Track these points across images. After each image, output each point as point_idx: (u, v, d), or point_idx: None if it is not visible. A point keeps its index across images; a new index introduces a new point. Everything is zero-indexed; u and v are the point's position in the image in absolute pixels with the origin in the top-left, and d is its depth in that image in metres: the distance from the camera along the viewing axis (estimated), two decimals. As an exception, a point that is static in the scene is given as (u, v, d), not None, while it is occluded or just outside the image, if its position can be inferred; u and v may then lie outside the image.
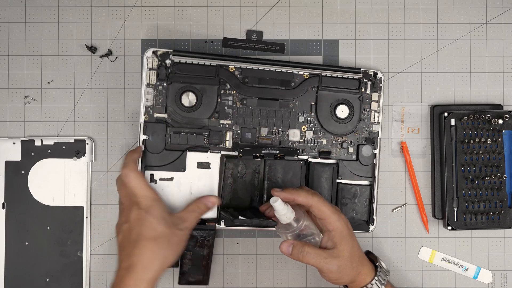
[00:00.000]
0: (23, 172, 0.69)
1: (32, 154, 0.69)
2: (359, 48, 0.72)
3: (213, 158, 0.65)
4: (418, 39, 0.72)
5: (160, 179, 0.64)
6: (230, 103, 0.66)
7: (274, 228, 0.67)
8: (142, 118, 0.64)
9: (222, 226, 0.65)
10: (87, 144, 0.69)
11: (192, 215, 0.61)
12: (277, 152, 0.65)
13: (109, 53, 0.71)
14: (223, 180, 0.65)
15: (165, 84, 0.64)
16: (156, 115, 0.64)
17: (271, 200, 0.58)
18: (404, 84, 0.72)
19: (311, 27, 0.72)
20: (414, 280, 0.71)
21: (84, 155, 0.69)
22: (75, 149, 0.69)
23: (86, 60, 0.71)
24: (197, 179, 0.65)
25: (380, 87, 0.70)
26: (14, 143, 0.69)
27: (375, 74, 0.69)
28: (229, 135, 0.66)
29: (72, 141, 0.69)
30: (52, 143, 0.69)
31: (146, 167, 0.64)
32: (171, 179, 0.65)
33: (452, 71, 0.72)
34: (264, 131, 0.67)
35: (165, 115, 0.65)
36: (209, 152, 0.65)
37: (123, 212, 0.59)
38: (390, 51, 0.72)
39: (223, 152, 0.65)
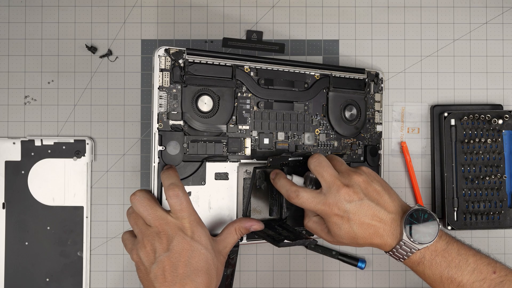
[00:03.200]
0: (23, 172, 0.69)
1: (32, 154, 0.69)
2: (359, 48, 0.72)
3: (231, 168, 0.61)
4: (418, 39, 0.72)
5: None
6: (248, 106, 0.62)
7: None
8: (156, 126, 0.57)
9: (244, 241, 0.62)
10: (87, 144, 0.69)
11: (232, 239, 0.57)
12: (301, 158, 0.61)
13: (109, 53, 0.71)
14: (250, 192, 0.61)
15: (179, 87, 0.58)
16: (171, 122, 0.58)
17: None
18: (404, 84, 0.72)
19: (311, 27, 0.72)
20: (414, 280, 0.71)
21: (84, 155, 0.69)
22: (75, 149, 0.69)
23: (86, 60, 0.71)
24: (215, 191, 0.60)
25: (382, 87, 0.70)
26: (14, 143, 0.69)
27: (377, 74, 0.69)
28: (248, 141, 0.62)
29: (72, 141, 0.69)
30: (52, 143, 0.69)
31: (171, 183, 0.57)
32: (189, 194, 0.59)
33: (452, 71, 0.72)
34: (281, 135, 0.64)
35: (181, 122, 0.58)
36: (228, 161, 0.61)
37: (157, 238, 0.52)
38: (390, 51, 0.72)
39: (242, 161, 0.61)
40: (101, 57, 0.71)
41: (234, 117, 0.61)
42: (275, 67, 0.63)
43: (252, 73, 0.62)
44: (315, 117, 0.66)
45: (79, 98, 0.71)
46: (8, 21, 0.71)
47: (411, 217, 0.55)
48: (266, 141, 0.63)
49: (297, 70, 0.64)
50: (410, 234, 0.54)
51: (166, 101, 0.58)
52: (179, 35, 0.71)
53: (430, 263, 0.55)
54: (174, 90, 0.58)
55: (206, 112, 0.60)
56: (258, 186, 0.63)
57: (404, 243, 0.54)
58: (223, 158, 0.60)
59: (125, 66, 0.71)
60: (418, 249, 0.54)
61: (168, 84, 0.58)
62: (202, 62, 0.59)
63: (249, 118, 0.62)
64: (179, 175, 0.56)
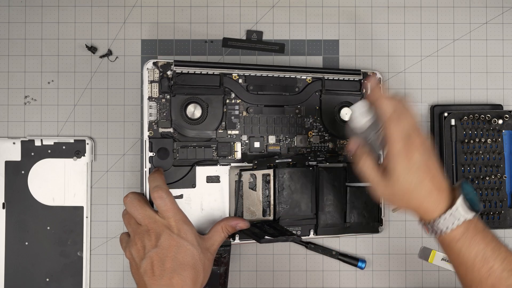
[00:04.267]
0: (23, 172, 0.69)
1: (32, 154, 0.69)
2: (359, 48, 0.72)
3: (222, 171, 0.63)
4: (418, 39, 0.72)
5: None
6: (237, 112, 0.64)
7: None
8: (147, 134, 0.61)
9: (237, 241, 0.64)
10: (87, 144, 0.69)
11: (219, 237, 0.59)
12: (290, 160, 0.63)
13: (109, 53, 0.71)
14: (237, 194, 0.63)
15: (168, 96, 0.61)
16: (161, 130, 0.61)
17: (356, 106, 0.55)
18: (404, 84, 0.72)
19: (311, 27, 0.72)
20: (414, 280, 0.71)
21: (84, 155, 0.69)
22: (75, 149, 0.69)
23: (86, 60, 0.71)
24: (207, 194, 0.62)
25: (380, 87, 0.70)
26: (14, 143, 0.69)
27: (374, 74, 0.69)
28: (237, 146, 0.64)
29: (72, 141, 0.69)
30: (52, 143, 0.69)
31: (155, 186, 0.60)
32: (181, 196, 0.61)
33: (452, 71, 0.72)
34: (272, 139, 0.65)
35: (170, 130, 0.61)
36: (218, 165, 0.63)
37: (146, 236, 0.55)
38: (390, 51, 0.72)
39: (232, 164, 0.63)
40: (101, 57, 0.71)
41: (223, 123, 0.63)
42: (264, 73, 0.64)
43: (240, 80, 0.64)
44: (308, 119, 0.66)
45: (79, 98, 0.71)
46: (8, 21, 0.71)
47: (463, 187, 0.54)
48: (256, 144, 0.64)
49: (287, 75, 0.65)
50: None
51: (156, 110, 0.61)
52: (179, 35, 0.71)
53: (470, 241, 0.53)
54: (164, 100, 0.61)
55: (195, 119, 0.62)
56: (251, 187, 0.64)
57: (457, 208, 0.53)
58: (213, 162, 0.62)
59: (125, 66, 0.71)
60: (467, 219, 0.53)
61: (157, 94, 0.61)
62: (190, 72, 0.61)
63: (238, 124, 0.64)
64: (171, 178, 0.60)
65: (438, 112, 0.71)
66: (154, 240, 0.55)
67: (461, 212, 0.53)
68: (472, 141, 0.69)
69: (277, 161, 0.62)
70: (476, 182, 0.69)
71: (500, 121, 0.68)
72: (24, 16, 0.71)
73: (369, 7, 0.72)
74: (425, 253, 0.71)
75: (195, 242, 0.56)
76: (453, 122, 0.69)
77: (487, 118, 0.69)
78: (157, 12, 0.71)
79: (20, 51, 0.70)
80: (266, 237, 0.58)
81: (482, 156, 0.69)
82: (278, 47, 0.71)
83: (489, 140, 0.69)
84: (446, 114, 0.69)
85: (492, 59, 0.72)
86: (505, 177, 0.69)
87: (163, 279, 0.53)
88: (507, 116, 0.69)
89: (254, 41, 0.71)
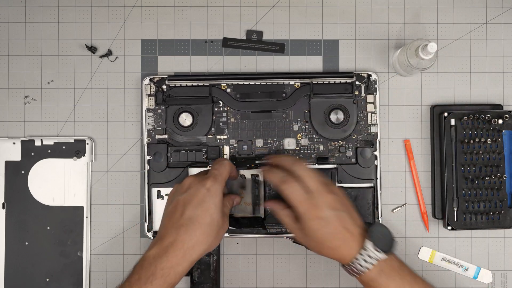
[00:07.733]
0: (23, 172, 0.69)
1: (32, 154, 0.69)
2: (359, 48, 0.72)
3: None
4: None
5: (167, 195, 0.67)
6: (225, 119, 0.69)
7: (263, 235, 0.70)
8: (145, 140, 0.69)
9: (227, 235, 0.68)
10: (87, 144, 0.69)
11: (227, 209, 0.63)
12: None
13: (109, 53, 0.71)
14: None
15: (163, 107, 0.68)
16: (157, 136, 0.69)
17: None
18: (404, 84, 0.72)
19: (311, 27, 0.72)
20: (414, 280, 0.71)
21: (84, 155, 0.69)
22: (75, 149, 0.69)
23: (86, 60, 0.71)
24: None
25: (376, 88, 0.70)
26: (14, 143, 0.69)
27: (369, 76, 0.69)
28: (226, 149, 0.69)
29: (72, 141, 0.69)
30: (52, 143, 0.69)
31: (152, 184, 0.68)
32: None
33: (452, 71, 0.72)
34: (259, 142, 0.69)
35: (165, 136, 0.69)
36: (208, 166, 0.68)
37: (188, 181, 0.60)
38: (390, 51, 0.72)
39: None
40: (101, 57, 0.71)
41: (212, 129, 0.69)
42: (251, 82, 0.69)
43: (228, 90, 0.69)
44: (296, 123, 0.69)
45: (79, 98, 0.71)
46: (8, 21, 0.71)
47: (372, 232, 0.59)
48: (245, 147, 0.69)
49: (274, 82, 0.69)
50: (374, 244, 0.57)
51: (153, 119, 0.69)
52: (179, 35, 0.71)
53: (386, 279, 0.57)
54: (159, 110, 0.69)
55: (187, 127, 0.68)
56: (242, 186, 0.68)
57: (367, 251, 0.57)
58: (204, 164, 0.68)
59: (125, 66, 0.71)
60: (380, 259, 0.57)
61: (154, 106, 0.69)
62: (182, 85, 0.68)
63: (226, 129, 0.69)
64: (165, 178, 0.68)
65: (438, 112, 0.71)
66: (188, 186, 0.59)
67: (371, 254, 0.57)
68: (472, 141, 0.69)
69: (256, 162, 0.68)
70: (476, 182, 0.69)
71: (500, 121, 0.68)
72: (24, 16, 0.71)
73: (369, 7, 0.72)
74: (425, 253, 0.71)
75: (219, 206, 0.58)
76: (453, 122, 0.69)
77: (487, 118, 0.69)
78: (157, 12, 0.71)
79: (20, 51, 0.71)
80: (230, 227, 0.65)
81: (482, 156, 0.69)
82: (278, 47, 0.71)
83: (489, 140, 0.68)
84: (446, 114, 0.69)
85: (492, 59, 0.72)
86: (505, 177, 0.69)
87: (175, 223, 0.57)
88: (507, 116, 0.69)
89: (254, 41, 0.71)
